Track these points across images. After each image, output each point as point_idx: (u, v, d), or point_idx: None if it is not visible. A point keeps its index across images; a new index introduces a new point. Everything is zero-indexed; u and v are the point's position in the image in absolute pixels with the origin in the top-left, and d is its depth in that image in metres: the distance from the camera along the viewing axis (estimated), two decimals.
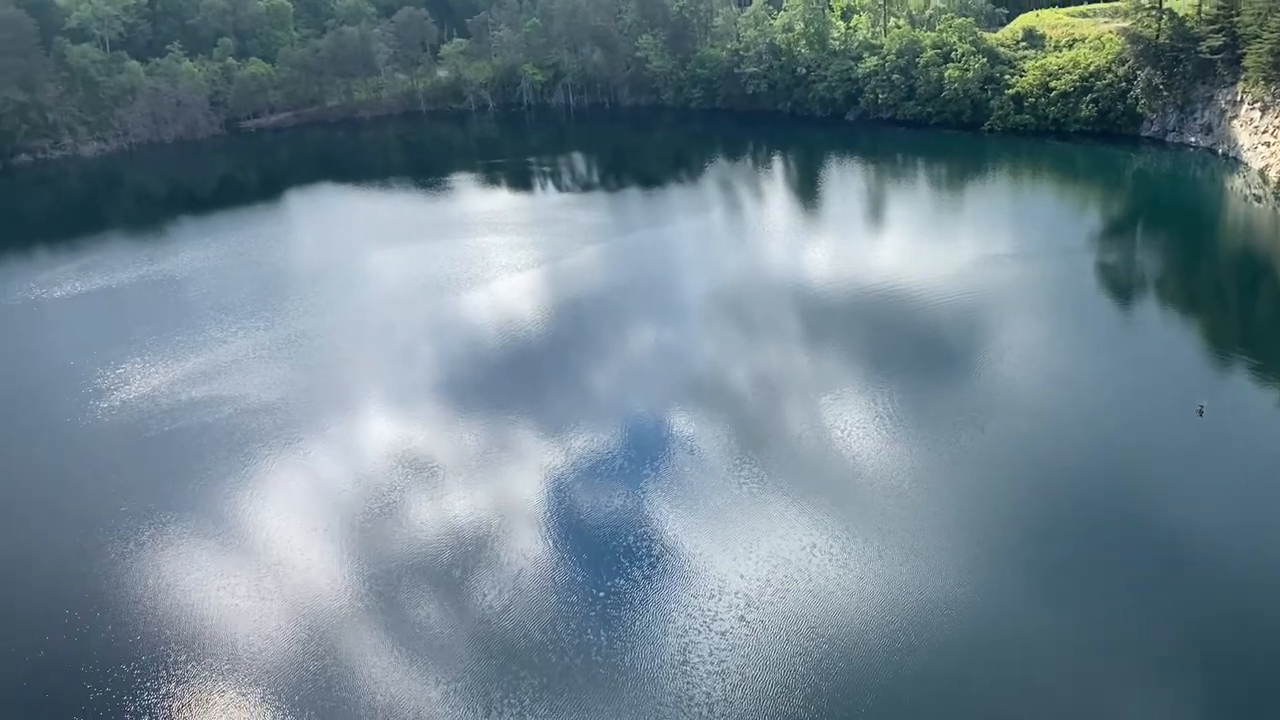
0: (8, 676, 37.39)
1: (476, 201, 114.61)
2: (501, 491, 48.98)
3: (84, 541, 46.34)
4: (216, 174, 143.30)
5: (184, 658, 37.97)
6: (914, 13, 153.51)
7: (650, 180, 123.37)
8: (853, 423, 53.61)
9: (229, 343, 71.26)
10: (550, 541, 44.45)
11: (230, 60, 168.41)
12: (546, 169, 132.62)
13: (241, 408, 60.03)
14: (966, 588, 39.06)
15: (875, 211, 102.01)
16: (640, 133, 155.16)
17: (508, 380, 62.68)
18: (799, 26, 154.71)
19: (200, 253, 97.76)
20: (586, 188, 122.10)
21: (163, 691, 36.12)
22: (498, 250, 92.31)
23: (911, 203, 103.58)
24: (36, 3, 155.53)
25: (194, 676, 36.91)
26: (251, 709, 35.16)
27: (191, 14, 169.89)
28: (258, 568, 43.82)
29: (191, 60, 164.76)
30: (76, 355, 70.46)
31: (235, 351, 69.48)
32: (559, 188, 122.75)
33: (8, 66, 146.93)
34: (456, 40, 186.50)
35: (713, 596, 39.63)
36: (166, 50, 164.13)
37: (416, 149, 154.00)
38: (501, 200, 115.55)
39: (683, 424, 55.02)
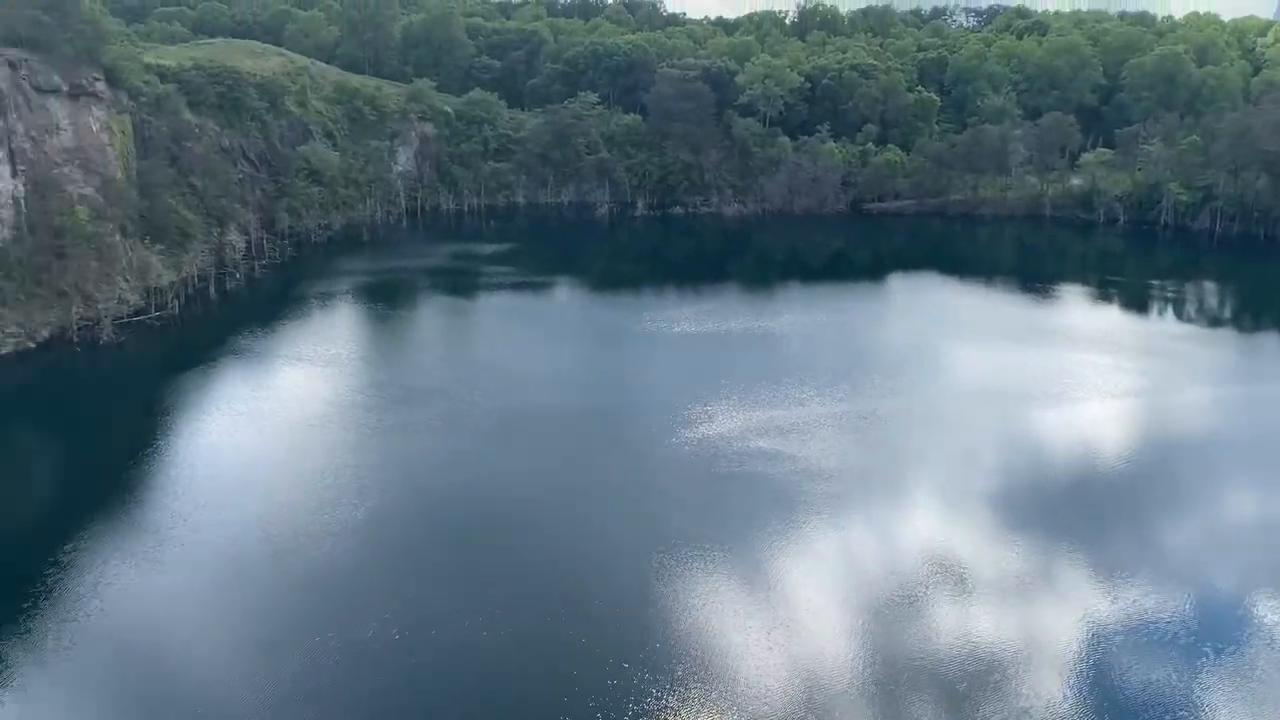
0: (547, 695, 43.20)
1: (1083, 316, 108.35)
2: (1031, 623, 45.64)
3: (636, 558, 52.06)
4: (832, 248, 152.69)
5: (695, 688, 40.86)
6: None
7: None
8: None
9: (806, 405, 75.47)
10: (1075, 692, 40.38)
11: (870, 145, 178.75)
12: (1171, 294, 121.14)
13: (800, 468, 63.22)
14: None
15: None
16: None
17: (1068, 508, 58.31)
18: None
19: (801, 317, 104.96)
20: (1214, 323, 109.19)
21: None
22: (1094, 370, 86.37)
23: None
24: (720, 80, 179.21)
25: (698, 707, 39.55)
26: None
27: (845, 100, 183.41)
28: (771, 619, 45.73)
29: (835, 142, 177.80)
30: (678, 386, 79.62)
31: (809, 415, 73.38)
32: (1181, 316, 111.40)
33: (686, 131, 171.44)
34: (1099, 150, 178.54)
35: None
36: (815, 130, 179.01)
37: (1032, 252, 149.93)
38: (1111, 319, 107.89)
39: (1270, 614, 46.70)
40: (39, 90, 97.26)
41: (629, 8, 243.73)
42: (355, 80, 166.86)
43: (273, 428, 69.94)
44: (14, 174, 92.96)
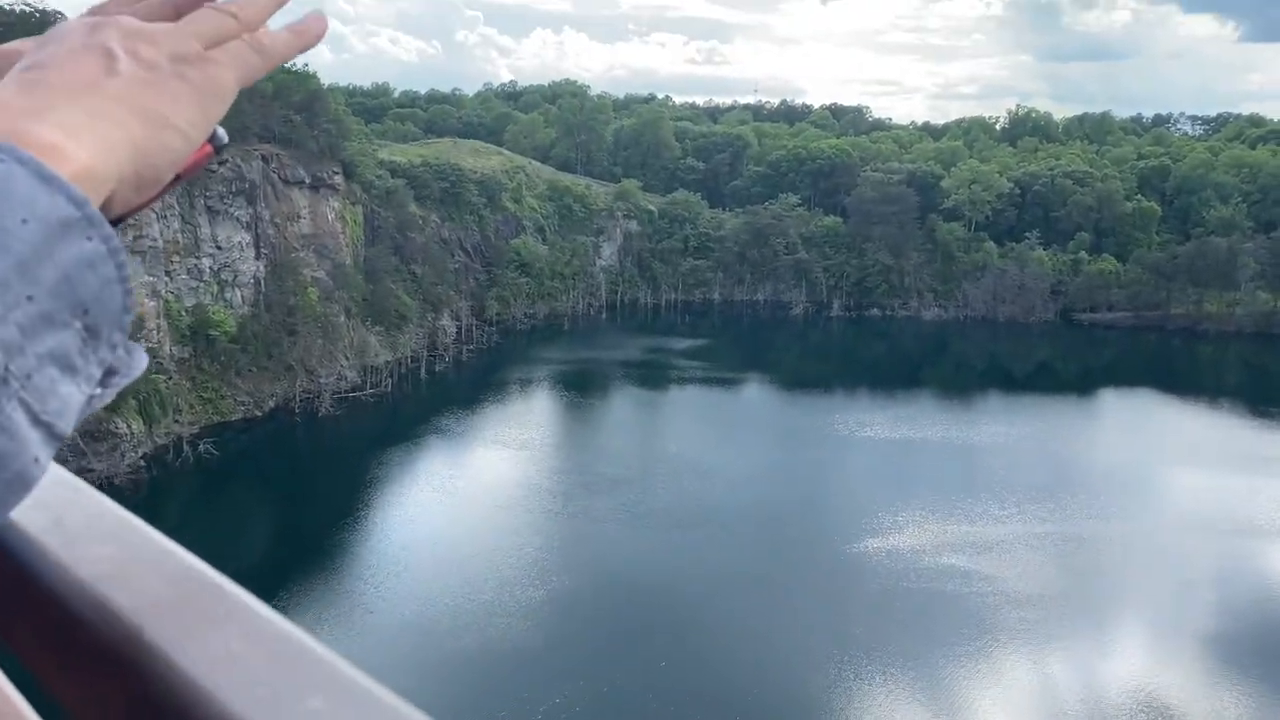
0: None
1: None
2: None
3: (814, 668, 50.32)
4: (1037, 358, 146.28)
5: None
6: None
7: None
8: None
9: (1005, 523, 71.73)
10: None
11: (1082, 254, 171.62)
12: None
13: (995, 589, 59.82)
14: None
15: None
16: None
17: None
18: None
19: (1002, 429, 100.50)
20: None
21: None
22: None
23: None
24: (924, 184, 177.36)
25: None
26: None
27: (1057, 207, 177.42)
28: None
29: (1044, 249, 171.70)
30: (868, 492, 77.45)
31: (1008, 533, 69.65)
32: None
33: (886, 234, 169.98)
34: None
35: None
36: (1024, 237, 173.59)
37: (1261, 373, 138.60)
38: None
39: None
40: (285, 182, 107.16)
41: (834, 113, 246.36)
42: (567, 179, 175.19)
43: (465, 506, 72.47)
44: (258, 256, 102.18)
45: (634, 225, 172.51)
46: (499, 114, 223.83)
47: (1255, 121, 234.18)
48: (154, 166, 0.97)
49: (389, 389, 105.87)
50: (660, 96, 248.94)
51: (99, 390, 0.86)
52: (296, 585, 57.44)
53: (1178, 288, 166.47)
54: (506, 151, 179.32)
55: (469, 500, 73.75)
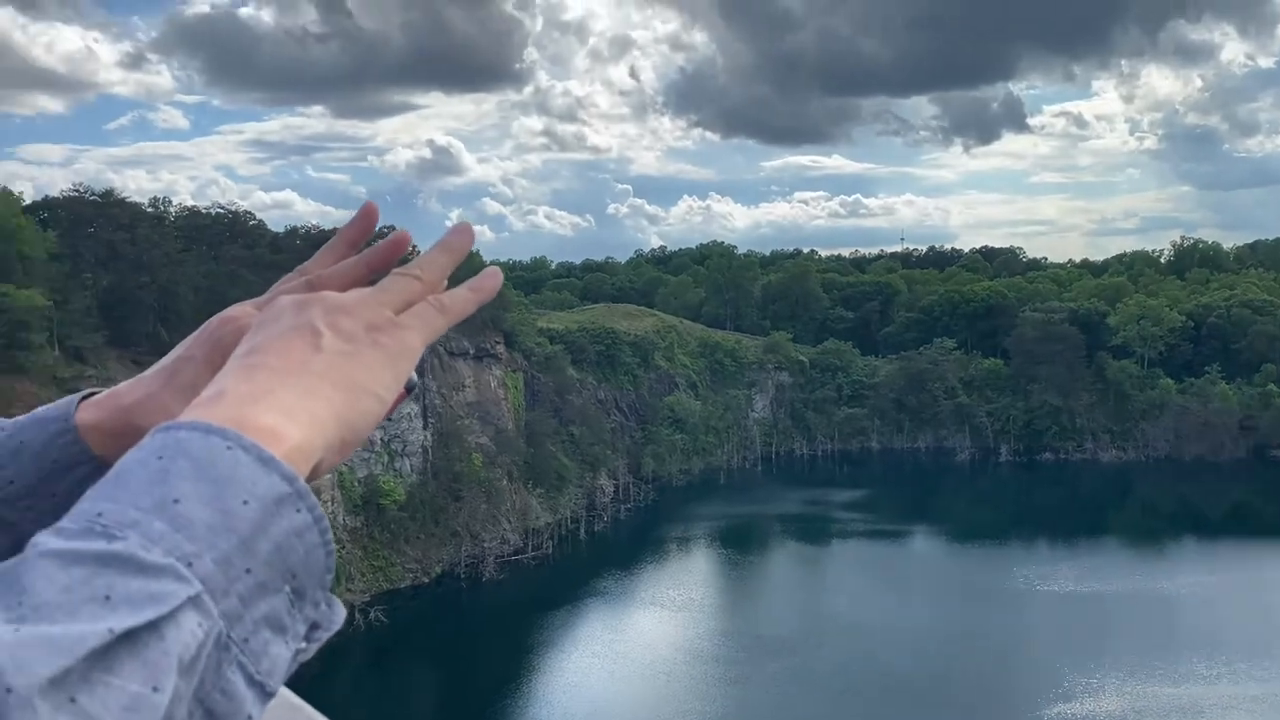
0: None
1: None
2: None
3: None
4: (1231, 499, 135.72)
5: None
6: None
7: None
8: None
9: (1214, 684, 65.25)
10: None
11: (1270, 386, 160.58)
12: None
13: None
14: None
15: None
16: None
17: None
18: None
19: (1200, 578, 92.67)
20: None
21: None
22: None
23: None
24: (1088, 322, 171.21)
25: None
26: None
27: (1238, 339, 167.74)
28: None
29: (1228, 383, 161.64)
30: (1054, 652, 72.05)
31: (1218, 695, 63.26)
32: None
33: (1052, 374, 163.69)
34: None
35: None
36: (1204, 371, 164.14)
37: None
38: None
39: None
40: (450, 354, 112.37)
41: (985, 256, 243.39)
42: (717, 335, 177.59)
43: (624, 671, 71.07)
44: (425, 425, 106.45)
45: (786, 376, 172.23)
46: (650, 278, 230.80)
47: None
48: (355, 430, 1.07)
49: (550, 550, 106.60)
50: (806, 250, 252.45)
51: (304, 645, 0.92)
52: None
53: None
54: (658, 312, 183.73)
55: (630, 664, 72.35)
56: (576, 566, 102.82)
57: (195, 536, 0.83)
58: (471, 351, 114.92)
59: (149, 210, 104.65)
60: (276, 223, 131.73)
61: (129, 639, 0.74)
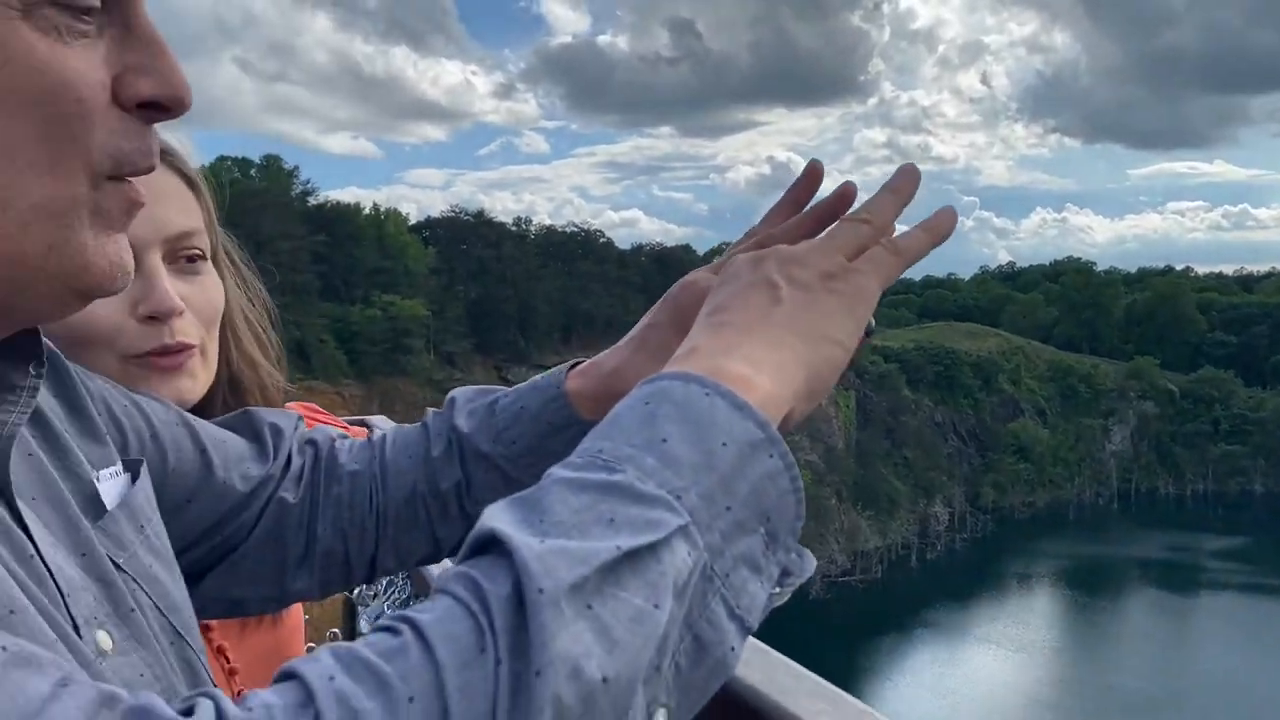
0: None
1: None
2: None
3: None
4: None
5: None
6: None
7: None
8: None
9: None
10: None
11: None
12: None
13: None
14: None
15: None
16: None
17: None
18: None
19: None
20: None
21: None
22: None
23: None
24: None
25: None
26: None
27: None
28: None
29: None
30: None
31: None
32: None
33: None
34: None
35: None
36: None
37: None
38: None
39: None
40: None
41: None
42: (1071, 358, 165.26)
43: (953, 708, 67.75)
44: None
45: (1150, 406, 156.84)
46: (996, 295, 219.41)
47: None
48: (821, 378, 1.07)
49: (879, 575, 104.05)
50: (1179, 267, 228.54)
51: (776, 589, 0.94)
52: None
53: None
54: (1004, 333, 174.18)
55: (959, 702, 68.95)
56: (907, 593, 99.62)
57: (682, 473, 0.88)
58: None
59: (512, 229, 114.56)
60: (623, 240, 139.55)
61: (632, 558, 0.80)
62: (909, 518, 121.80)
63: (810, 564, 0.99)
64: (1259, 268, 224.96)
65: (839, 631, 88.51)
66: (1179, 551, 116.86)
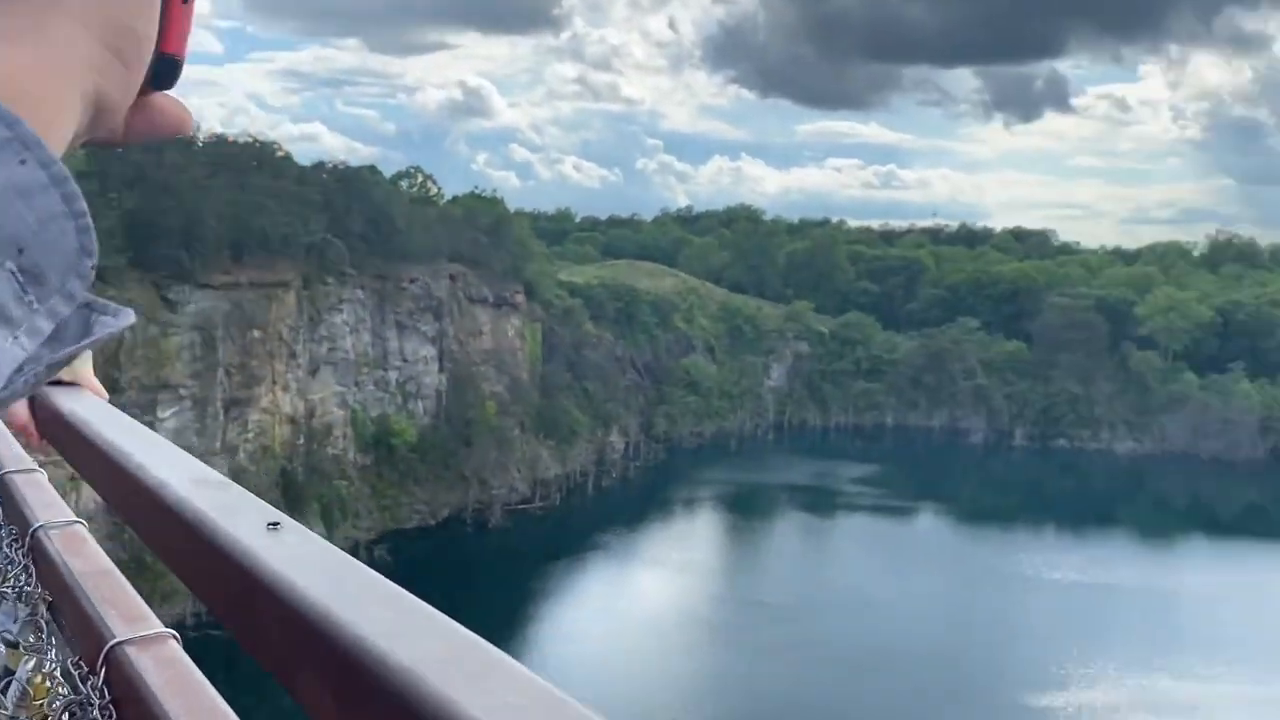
0: None
1: None
2: None
3: None
4: (1246, 499, 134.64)
5: None
6: None
7: None
8: None
9: (1212, 682, 64.91)
10: None
11: None
12: None
13: None
14: None
15: None
16: None
17: None
18: None
19: (1207, 577, 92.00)
20: None
21: None
22: None
23: None
24: (1116, 311, 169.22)
25: None
26: None
27: (1265, 338, 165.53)
28: None
29: (1251, 382, 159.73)
30: (1053, 639, 71.82)
31: (1216, 694, 62.95)
32: None
33: (1074, 361, 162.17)
34: None
35: None
36: (1228, 368, 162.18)
37: None
38: None
39: None
40: (470, 300, 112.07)
41: (1017, 237, 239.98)
42: (739, 300, 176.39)
43: (620, 628, 71.34)
44: (441, 369, 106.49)
45: (804, 346, 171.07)
46: (675, 237, 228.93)
47: None
48: (124, 34, 0.85)
49: (557, 502, 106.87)
50: (835, 220, 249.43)
51: (52, 351, 0.73)
52: None
53: None
54: (681, 274, 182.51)
55: (627, 621, 72.61)
56: (583, 520, 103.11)
57: None
58: (490, 299, 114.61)
59: None
60: (303, 155, 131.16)
61: None
62: (588, 447, 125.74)
63: (124, 318, 0.78)
64: (900, 224, 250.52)
65: (518, 556, 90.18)
66: (823, 478, 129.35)
